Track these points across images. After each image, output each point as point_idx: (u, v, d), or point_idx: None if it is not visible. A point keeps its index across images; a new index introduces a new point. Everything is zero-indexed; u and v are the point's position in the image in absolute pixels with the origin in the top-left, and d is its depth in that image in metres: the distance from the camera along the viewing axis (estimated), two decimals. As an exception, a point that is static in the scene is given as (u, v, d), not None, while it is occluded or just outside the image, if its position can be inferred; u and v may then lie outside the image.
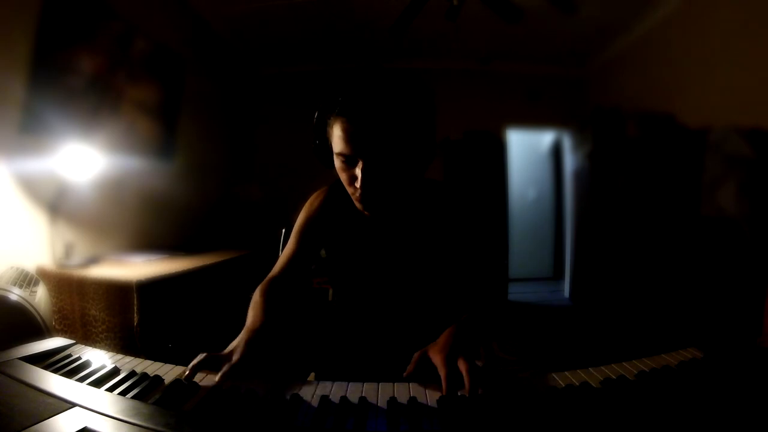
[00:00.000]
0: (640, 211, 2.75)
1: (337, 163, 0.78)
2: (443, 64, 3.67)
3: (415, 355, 0.68)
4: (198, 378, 0.63)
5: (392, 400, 0.56)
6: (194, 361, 0.65)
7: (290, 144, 3.81)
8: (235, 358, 0.66)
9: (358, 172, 0.73)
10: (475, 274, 0.90)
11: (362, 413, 0.54)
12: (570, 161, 3.88)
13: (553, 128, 4.17)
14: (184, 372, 0.64)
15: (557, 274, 4.42)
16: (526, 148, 4.42)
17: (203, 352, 0.67)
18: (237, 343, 0.71)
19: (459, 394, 0.58)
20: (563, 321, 3.34)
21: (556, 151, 4.41)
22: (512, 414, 0.53)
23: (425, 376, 0.65)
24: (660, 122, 2.65)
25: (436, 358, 0.65)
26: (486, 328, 0.79)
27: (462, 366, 0.62)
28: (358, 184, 0.75)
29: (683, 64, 2.51)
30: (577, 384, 0.60)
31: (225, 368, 0.64)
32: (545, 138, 4.49)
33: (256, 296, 0.84)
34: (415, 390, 0.61)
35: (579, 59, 3.64)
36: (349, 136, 0.72)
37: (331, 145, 0.78)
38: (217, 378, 0.62)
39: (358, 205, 0.82)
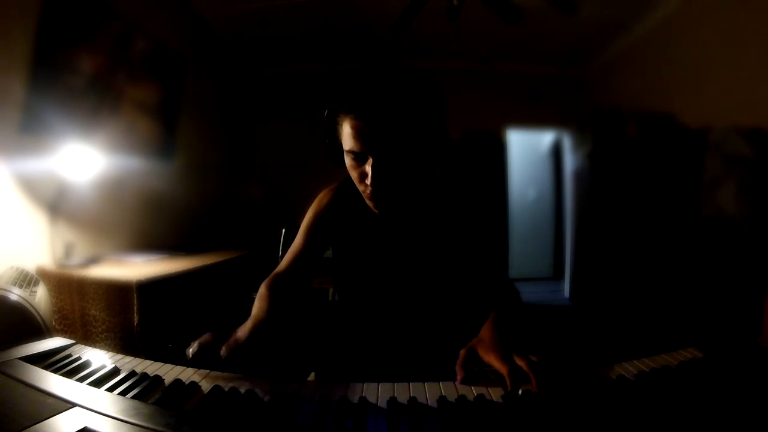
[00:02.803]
0: (640, 211, 2.75)
1: (348, 160, 0.78)
2: (443, 64, 3.66)
3: (461, 353, 0.67)
4: (198, 377, 0.63)
5: (392, 400, 0.56)
6: (201, 339, 0.67)
7: (290, 144, 3.82)
8: (241, 338, 0.68)
9: (368, 168, 0.74)
10: (490, 272, 0.89)
11: (362, 413, 0.54)
12: (570, 161, 3.88)
13: (553, 128, 4.16)
14: (191, 347, 0.66)
15: (557, 274, 4.41)
16: (526, 148, 4.41)
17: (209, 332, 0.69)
18: (242, 329, 0.71)
19: (521, 391, 0.57)
20: (563, 321, 3.34)
21: (556, 151, 4.40)
22: (512, 413, 0.53)
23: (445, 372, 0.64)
24: (660, 122, 2.64)
25: (491, 356, 0.64)
26: (520, 323, 0.79)
27: (521, 363, 0.62)
28: (368, 181, 0.74)
29: (683, 64, 2.50)
30: (577, 384, 0.60)
31: (231, 342, 0.66)
32: (545, 138, 4.49)
33: (262, 290, 0.84)
34: (415, 390, 0.60)
35: (579, 59, 3.64)
36: (358, 133, 0.72)
37: (341, 143, 0.78)
38: (222, 351, 0.64)
39: (369, 202, 0.81)
